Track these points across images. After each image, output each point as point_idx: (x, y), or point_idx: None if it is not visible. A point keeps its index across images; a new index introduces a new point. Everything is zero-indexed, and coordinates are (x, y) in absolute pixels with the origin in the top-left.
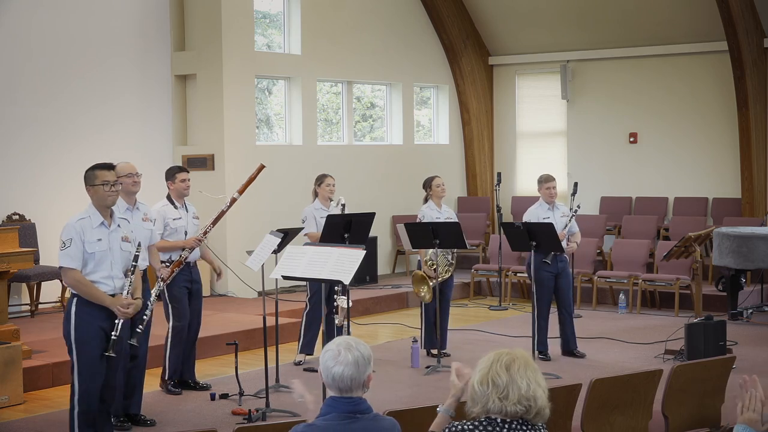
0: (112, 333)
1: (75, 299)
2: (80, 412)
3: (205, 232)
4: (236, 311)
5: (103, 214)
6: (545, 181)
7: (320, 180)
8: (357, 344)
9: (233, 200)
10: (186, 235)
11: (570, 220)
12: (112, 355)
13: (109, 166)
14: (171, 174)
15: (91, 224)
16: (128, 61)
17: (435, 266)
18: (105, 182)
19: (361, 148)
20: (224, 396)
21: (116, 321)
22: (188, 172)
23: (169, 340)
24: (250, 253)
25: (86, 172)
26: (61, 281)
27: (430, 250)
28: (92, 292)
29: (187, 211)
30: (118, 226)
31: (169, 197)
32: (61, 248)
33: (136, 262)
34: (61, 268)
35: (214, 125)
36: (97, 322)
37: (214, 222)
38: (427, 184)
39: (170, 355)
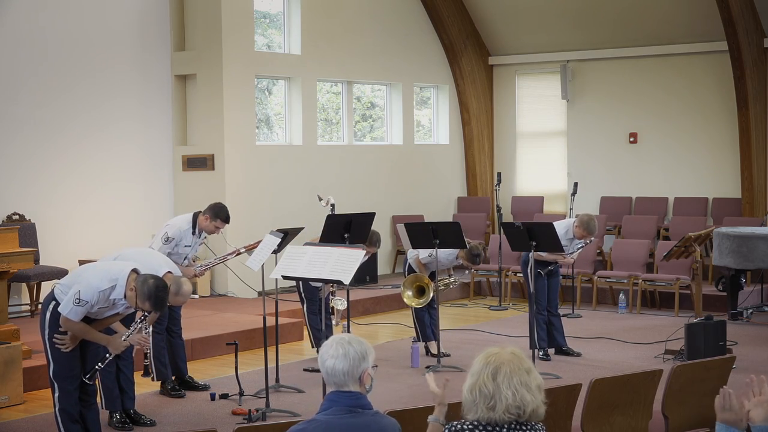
0: (98, 363)
1: (52, 304)
2: (60, 409)
3: (204, 271)
4: (236, 311)
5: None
6: (591, 233)
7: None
8: (351, 339)
9: (238, 253)
10: (185, 260)
11: (578, 249)
12: (89, 382)
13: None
14: (215, 214)
15: (106, 297)
16: (128, 61)
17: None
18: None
19: (361, 148)
20: (224, 396)
21: (107, 355)
22: (229, 223)
23: (150, 339)
24: (250, 253)
25: (144, 285)
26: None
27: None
28: (90, 335)
29: (199, 237)
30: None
31: (195, 222)
32: (75, 302)
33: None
34: (64, 316)
35: (214, 125)
36: None
37: (214, 265)
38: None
39: (153, 355)
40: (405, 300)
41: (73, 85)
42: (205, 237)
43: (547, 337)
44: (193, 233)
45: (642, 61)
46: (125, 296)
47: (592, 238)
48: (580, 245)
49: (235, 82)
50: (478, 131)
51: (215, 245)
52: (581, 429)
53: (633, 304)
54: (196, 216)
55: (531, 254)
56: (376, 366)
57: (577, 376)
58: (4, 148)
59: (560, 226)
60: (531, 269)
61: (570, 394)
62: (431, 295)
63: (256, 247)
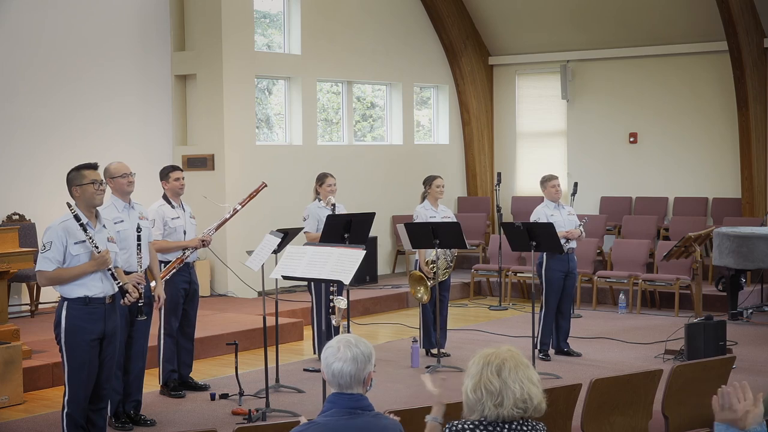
0: (124, 294)
1: (65, 303)
2: (68, 413)
3: (210, 236)
4: (236, 311)
5: (88, 215)
6: (549, 180)
7: (321, 180)
8: (357, 342)
9: (235, 211)
10: (185, 234)
11: (580, 227)
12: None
13: (95, 166)
14: (165, 173)
15: (76, 226)
16: (128, 61)
17: (435, 268)
18: (93, 181)
19: (361, 148)
20: (224, 396)
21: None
22: (182, 170)
23: (162, 343)
24: (250, 253)
25: (70, 173)
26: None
27: (432, 251)
28: (70, 273)
29: (184, 211)
30: (104, 226)
31: (165, 197)
32: (41, 251)
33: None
34: (37, 271)
35: (214, 125)
36: (87, 325)
37: (217, 228)
38: (428, 183)
39: (163, 358)
40: (417, 297)
41: (74, 84)
42: (192, 214)
43: (550, 340)
44: (172, 206)
45: (642, 61)
46: (83, 209)
47: (560, 187)
48: (572, 215)
49: (235, 82)
50: (478, 131)
51: (213, 216)
52: (581, 429)
53: (633, 304)
54: (164, 196)
55: (544, 255)
56: (374, 370)
57: (577, 376)
58: (4, 148)
59: (540, 207)
60: (544, 269)
61: (570, 394)
62: (428, 285)
63: (250, 200)
